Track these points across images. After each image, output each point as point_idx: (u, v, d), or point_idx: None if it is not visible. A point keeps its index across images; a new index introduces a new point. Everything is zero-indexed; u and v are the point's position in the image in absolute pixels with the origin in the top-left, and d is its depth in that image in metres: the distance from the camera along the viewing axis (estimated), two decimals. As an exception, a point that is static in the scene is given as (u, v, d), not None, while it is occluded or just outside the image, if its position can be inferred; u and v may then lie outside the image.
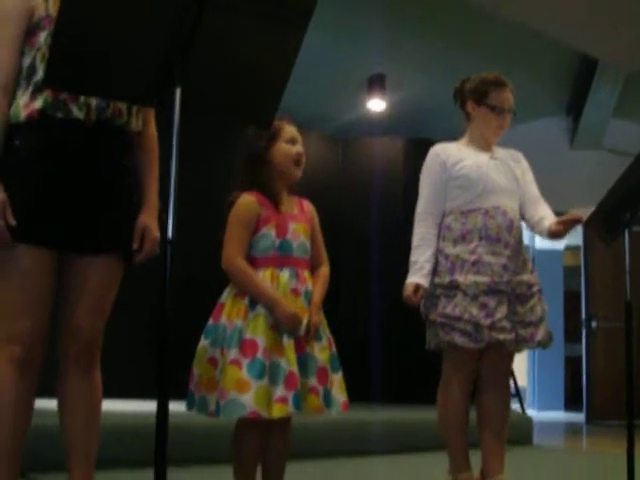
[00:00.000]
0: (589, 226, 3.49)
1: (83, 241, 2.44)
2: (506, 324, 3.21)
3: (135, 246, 2.53)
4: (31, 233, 2.36)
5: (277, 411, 2.58)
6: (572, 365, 12.53)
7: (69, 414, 2.52)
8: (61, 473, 2.56)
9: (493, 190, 3.34)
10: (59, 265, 2.47)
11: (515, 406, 8.50)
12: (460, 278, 3.24)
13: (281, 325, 2.65)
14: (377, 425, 5.74)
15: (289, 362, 2.62)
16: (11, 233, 2.32)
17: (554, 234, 3.29)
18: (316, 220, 2.95)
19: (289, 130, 2.86)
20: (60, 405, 2.55)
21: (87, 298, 2.49)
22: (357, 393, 6.73)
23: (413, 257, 3.33)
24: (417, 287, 3.27)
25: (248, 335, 2.63)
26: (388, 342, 7.55)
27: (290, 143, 2.85)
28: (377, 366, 7.37)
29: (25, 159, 2.39)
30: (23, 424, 2.43)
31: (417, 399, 5.53)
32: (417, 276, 3.28)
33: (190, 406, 2.72)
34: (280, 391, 2.59)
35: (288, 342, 2.65)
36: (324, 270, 2.91)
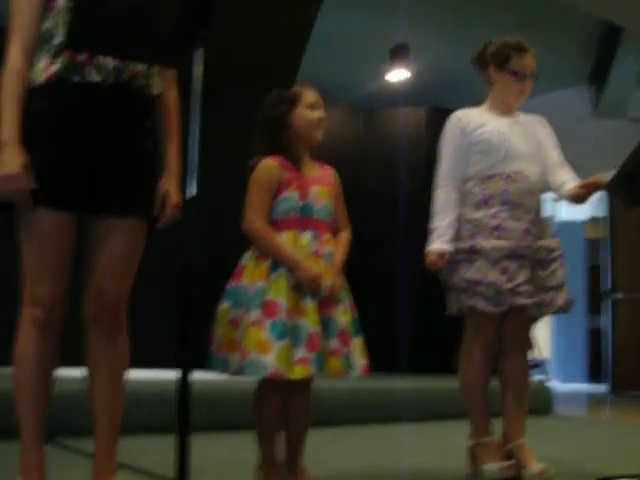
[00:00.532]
0: (610, 190, 3.46)
1: (104, 203, 2.45)
2: (527, 288, 3.21)
3: (156, 211, 2.55)
4: (51, 196, 2.37)
5: (298, 372, 2.60)
6: (594, 337, 12.50)
7: (95, 377, 2.55)
8: (88, 437, 2.58)
9: (515, 155, 3.32)
10: (82, 228, 2.49)
11: (538, 377, 8.52)
12: (482, 242, 3.23)
13: (303, 286, 2.67)
14: (400, 393, 5.76)
15: (311, 323, 2.64)
16: (33, 196, 2.34)
17: (575, 197, 3.27)
18: (338, 185, 2.96)
19: (310, 95, 2.86)
20: (88, 368, 2.58)
21: (111, 261, 2.50)
22: (382, 362, 6.76)
23: (434, 223, 3.32)
24: (441, 253, 3.27)
25: (270, 296, 2.65)
26: (414, 311, 7.54)
27: (310, 108, 2.86)
28: (403, 335, 7.38)
29: (45, 122, 2.40)
30: (47, 383, 2.48)
31: (442, 368, 5.55)
32: (439, 242, 3.28)
33: (211, 367, 2.74)
34: (301, 352, 2.60)
35: (311, 304, 2.67)
36: (345, 234, 2.92)
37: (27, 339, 2.43)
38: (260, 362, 2.58)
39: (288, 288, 2.67)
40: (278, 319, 2.62)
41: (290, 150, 2.83)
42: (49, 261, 2.42)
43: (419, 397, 5.79)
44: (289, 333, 2.61)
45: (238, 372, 2.64)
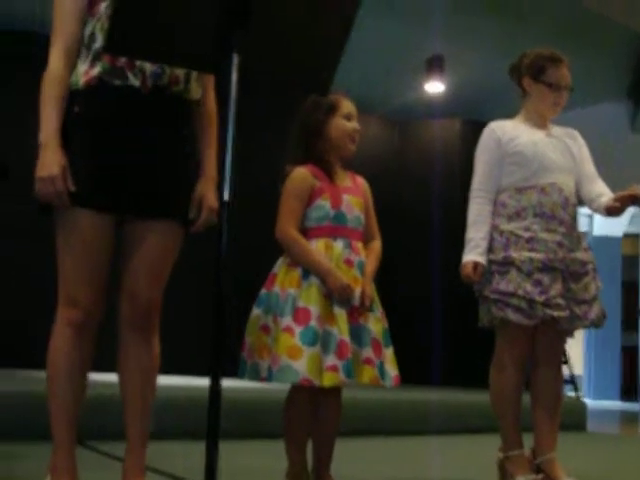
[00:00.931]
0: None
1: (142, 206, 2.47)
2: (560, 301, 3.19)
3: (192, 215, 2.56)
4: (90, 198, 2.40)
5: (328, 379, 2.59)
6: (629, 355, 12.39)
7: (126, 379, 2.56)
8: (119, 441, 2.60)
9: (549, 167, 3.31)
10: (119, 231, 2.51)
11: (570, 393, 8.45)
12: (514, 254, 3.21)
13: (333, 295, 2.67)
14: (431, 405, 5.75)
15: (341, 331, 2.64)
16: (71, 198, 2.36)
17: (610, 210, 3.25)
18: (369, 195, 2.97)
19: (346, 105, 2.87)
20: (119, 370, 2.59)
21: (146, 264, 2.52)
22: (416, 375, 6.74)
23: (469, 234, 3.31)
24: (476, 265, 3.26)
25: (301, 303, 2.66)
26: (448, 323, 7.53)
27: (347, 119, 2.86)
28: (436, 347, 7.37)
29: (84, 125, 2.43)
30: (79, 387, 2.49)
31: (475, 382, 5.54)
32: (474, 254, 3.27)
33: (242, 374, 2.75)
34: (331, 360, 2.60)
35: (340, 312, 2.67)
36: (377, 244, 2.93)
37: (62, 340, 2.44)
38: (292, 368, 2.58)
39: (319, 296, 2.68)
40: (309, 326, 2.62)
41: (324, 159, 2.84)
42: (87, 262, 2.43)
43: (449, 410, 5.78)
44: (320, 340, 2.62)
45: (269, 378, 2.65)
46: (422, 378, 7.09)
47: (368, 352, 2.70)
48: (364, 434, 4.90)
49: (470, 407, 5.84)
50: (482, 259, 3.25)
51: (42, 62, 2.45)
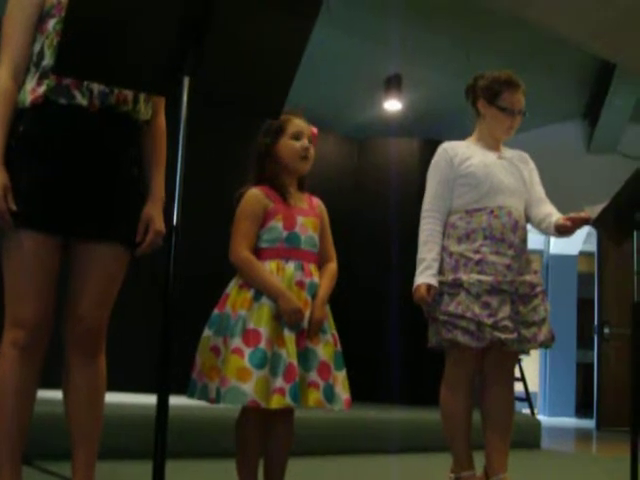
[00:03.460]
0: (598, 225, 3.47)
1: (87, 228, 2.45)
2: (508, 324, 3.20)
3: (139, 237, 2.54)
4: (35, 218, 2.37)
5: (275, 402, 2.58)
6: (584, 372, 12.50)
7: (73, 401, 2.54)
8: (66, 461, 2.57)
9: (499, 190, 3.34)
10: (65, 252, 2.48)
11: (525, 410, 8.51)
12: (464, 276, 3.23)
13: (283, 317, 2.67)
14: (384, 424, 5.74)
15: (289, 354, 2.63)
16: (15, 218, 2.34)
17: (561, 228, 3.28)
18: (325, 217, 2.97)
19: (295, 124, 2.87)
20: (64, 392, 2.57)
21: (92, 287, 2.50)
22: (371, 393, 6.70)
23: (421, 254, 3.32)
24: (429, 287, 3.26)
25: (251, 325, 2.65)
26: (405, 342, 7.53)
27: (295, 138, 2.86)
28: (393, 366, 7.37)
29: (29, 144, 2.41)
30: (25, 408, 2.45)
31: (429, 400, 5.54)
32: (426, 275, 3.27)
33: (192, 394, 2.73)
34: (279, 382, 2.59)
35: (289, 335, 2.66)
36: (332, 266, 2.92)
37: (7, 363, 2.40)
38: (240, 390, 2.57)
39: (270, 317, 2.67)
40: (259, 348, 2.61)
41: (276, 181, 2.84)
42: (32, 283, 2.40)
43: (402, 428, 5.78)
44: (269, 362, 2.61)
45: (218, 399, 2.64)
46: (377, 395, 7.10)
47: (314, 376, 2.68)
48: (317, 454, 4.89)
49: (424, 425, 5.83)
50: (434, 281, 3.26)
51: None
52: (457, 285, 3.24)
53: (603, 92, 8.49)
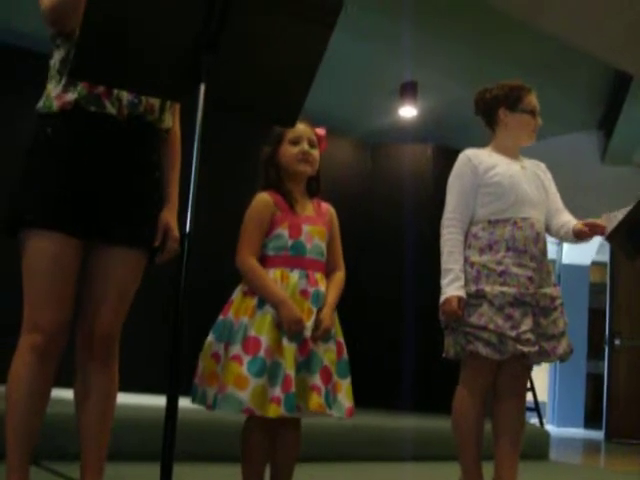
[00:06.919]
0: (611, 239, 3.45)
1: (110, 232, 2.46)
2: (531, 336, 3.18)
3: (157, 243, 2.55)
4: (59, 221, 2.38)
5: (272, 411, 2.58)
6: (594, 382, 12.44)
7: (84, 405, 2.54)
8: (73, 462, 2.57)
9: (524, 201, 3.32)
10: (85, 256, 2.48)
11: (534, 420, 8.47)
12: (487, 288, 3.21)
13: (283, 326, 2.66)
14: (395, 432, 5.71)
15: (288, 364, 2.62)
16: (40, 220, 2.34)
17: (579, 233, 3.29)
18: (335, 223, 2.96)
19: (292, 130, 2.84)
20: (76, 396, 2.57)
21: (109, 293, 2.50)
22: (381, 400, 6.66)
23: (448, 264, 3.28)
24: (459, 300, 3.23)
25: (252, 332, 2.64)
26: (416, 350, 7.50)
27: (293, 144, 2.86)
28: (404, 375, 7.34)
29: (56, 147, 2.42)
30: (38, 411, 2.45)
31: (440, 408, 5.53)
32: (455, 287, 3.23)
33: (193, 399, 2.73)
34: (277, 391, 2.59)
35: (289, 345, 2.65)
36: (339, 275, 2.91)
37: (24, 367, 2.40)
38: (236, 397, 2.57)
39: (272, 326, 2.66)
40: (258, 357, 2.61)
41: (281, 188, 2.85)
42: (54, 288, 2.40)
43: (413, 436, 5.75)
44: (267, 371, 2.60)
45: (214, 406, 2.64)
46: (389, 402, 7.08)
47: (316, 380, 2.67)
48: (326, 460, 4.87)
49: (436, 433, 5.80)
50: (464, 293, 3.23)
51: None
52: (480, 296, 3.21)
53: (619, 103, 8.44)
